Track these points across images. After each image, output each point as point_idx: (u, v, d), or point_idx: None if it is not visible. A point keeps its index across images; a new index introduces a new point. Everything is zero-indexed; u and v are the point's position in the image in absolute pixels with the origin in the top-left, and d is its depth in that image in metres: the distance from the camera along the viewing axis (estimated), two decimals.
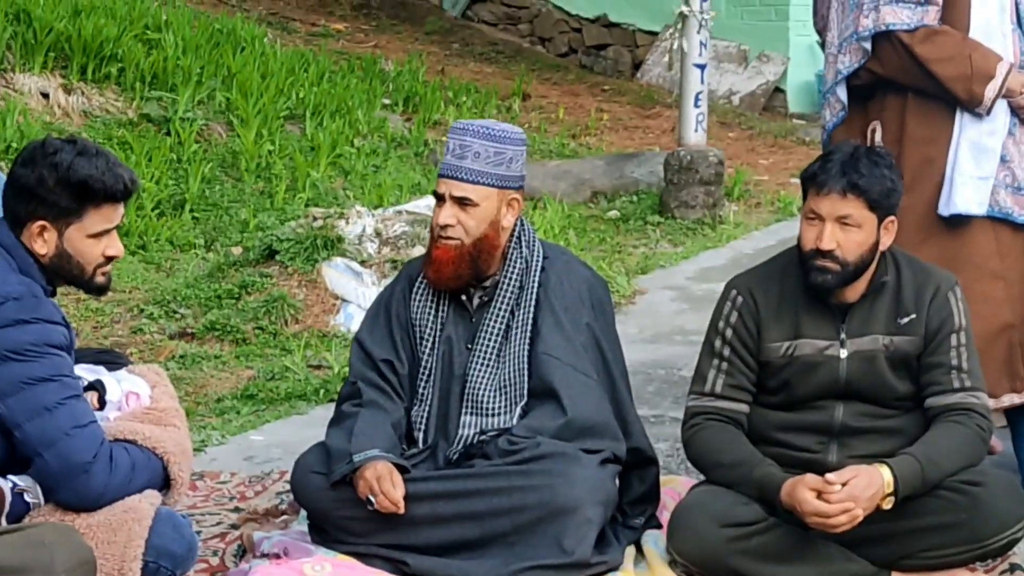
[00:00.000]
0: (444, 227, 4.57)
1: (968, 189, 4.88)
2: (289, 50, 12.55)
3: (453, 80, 13.52)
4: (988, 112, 4.90)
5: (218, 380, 6.69)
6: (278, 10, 15.39)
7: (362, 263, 7.61)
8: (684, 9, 10.12)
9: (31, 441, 3.79)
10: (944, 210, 4.91)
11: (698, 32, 10.13)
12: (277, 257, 7.67)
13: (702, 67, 10.22)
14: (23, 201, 3.95)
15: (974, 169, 4.89)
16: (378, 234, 7.77)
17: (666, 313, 8.07)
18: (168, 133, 9.96)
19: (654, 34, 15.00)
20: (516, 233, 4.69)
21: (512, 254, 4.67)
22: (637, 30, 15.41)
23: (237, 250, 8.20)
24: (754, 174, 11.70)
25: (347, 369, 4.84)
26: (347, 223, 7.77)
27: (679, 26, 10.18)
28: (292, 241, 7.69)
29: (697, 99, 10.23)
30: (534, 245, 4.72)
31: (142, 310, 7.57)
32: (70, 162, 3.94)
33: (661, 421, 5.82)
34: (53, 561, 3.54)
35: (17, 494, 3.84)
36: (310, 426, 5.26)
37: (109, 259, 4.05)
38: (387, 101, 12.24)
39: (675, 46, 10.25)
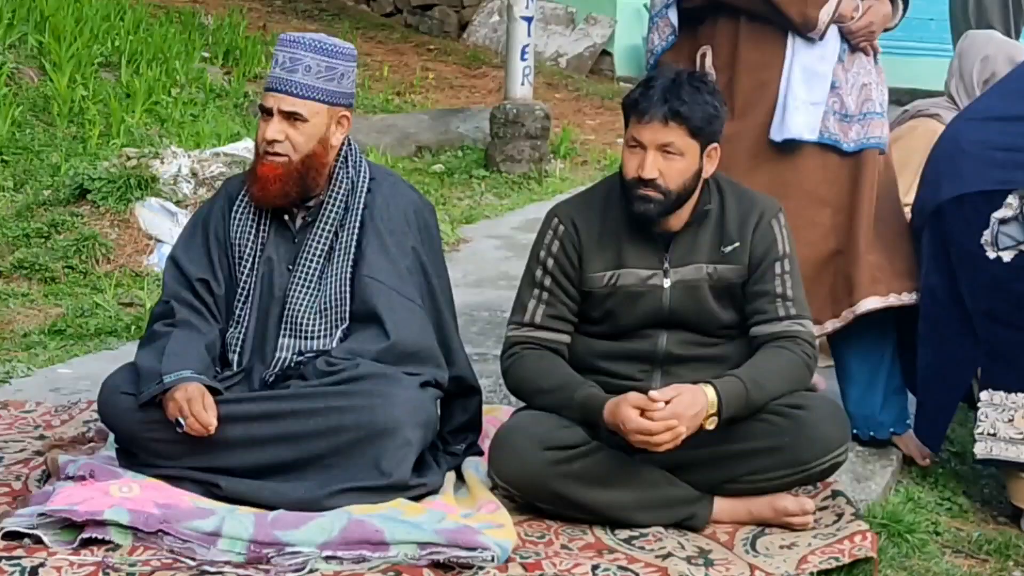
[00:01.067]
0: (271, 143, 4.42)
1: (800, 114, 4.84)
2: None
3: (275, 36, 13.26)
4: (821, 37, 4.86)
5: (25, 316, 6.47)
6: None
7: (177, 203, 7.42)
8: None
9: None
10: (777, 135, 4.86)
11: None
12: (89, 196, 7.46)
13: (529, 20, 10.13)
14: None
15: (806, 94, 4.86)
16: (194, 174, 7.58)
17: (491, 259, 7.99)
18: None
19: None
20: (343, 153, 4.56)
21: (338, 174, 4.54)
22: None
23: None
24: (581, 134, 11.67)
25: None
26: (162, 163, 7.57)
27: None
28: (105, 180, 7.47)
29: (524, 52, 10.14)
30: (361, 166, 4.59)
31: None
32: None
33: (484, 359, 5.73)
34: None
35: None
36: (120, 361, 5.05)
37: None
38: (206, 55, 11.98)
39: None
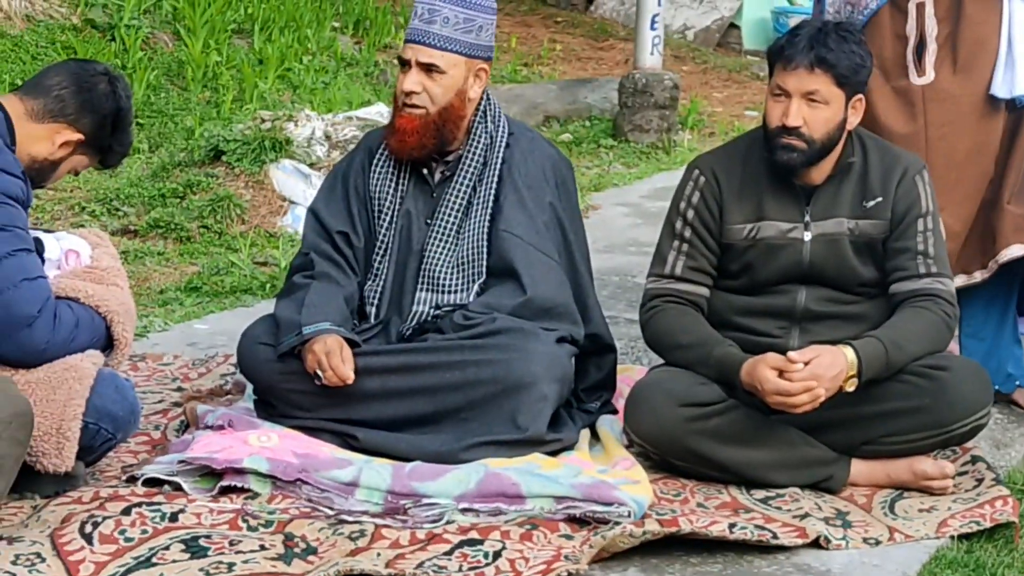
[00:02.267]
0: (409, 94, 4.42)
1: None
2: None
3: (404, 7, 13.31)
4: None
5: (161, 274, 6.53)
6: None
7: (311, 166, 7.46)
8: None
9: None
10: (1007, 92, 4.78)
11: None
12: (224, 158, 7.51)
13: None
14: (83, 109, 3.97)
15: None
16: (328, 137, 7.62)
17: (620, 226, 7.97)
18: (113, 39, 9.73)
19: None
20: (482, 107, 4.55)
21: (477, 128, 4.53)
22: None
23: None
24: (708, 106, 11.61)
25: None
26: (296, 126, 7.61)
27: None
28: (239, 142, 7.52)
29: (653, 22, 10.10)
30: (500, 120, 4.58)
31: (83, 207, 7.40)
32: (129, 127, 4.12)
33: (616, 322, 5.71)
34: None
35: None
36: (256, 318, 5.09)
37: None
38: (337, 24, 12.04)
39: None
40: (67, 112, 3.95)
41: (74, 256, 4.04)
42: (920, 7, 4.85)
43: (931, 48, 4.83)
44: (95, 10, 9.95)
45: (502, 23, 13.78)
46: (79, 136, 3.96)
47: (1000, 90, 4.78)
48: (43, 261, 3.93)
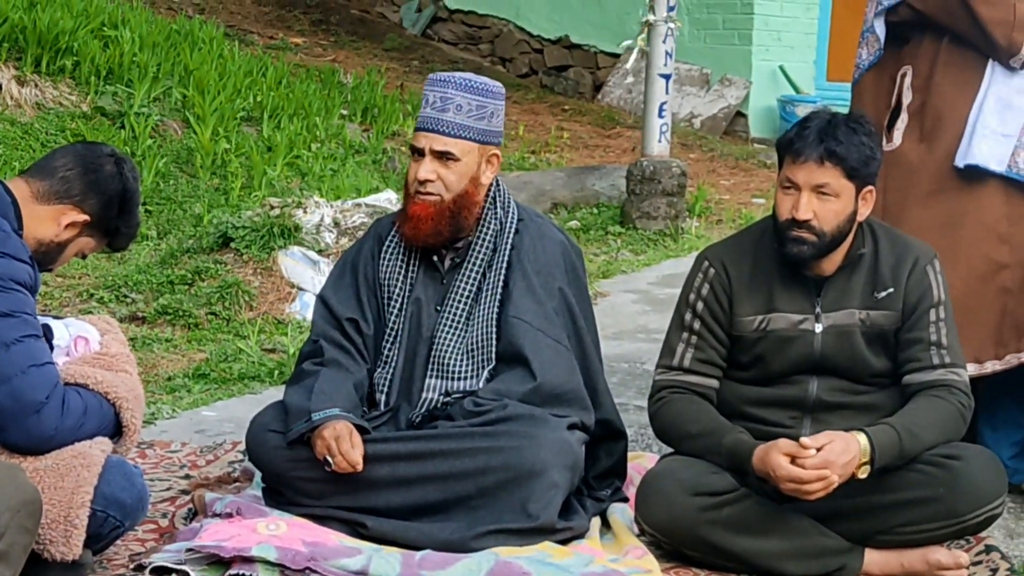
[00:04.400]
0: (424, 183, 4.42)
1: (988, 143, 4.71)
2: (247, 55, 12.40)
3: (412, 95, 13.39)
4: (1022, 66, 4.76)
5: (169, 361, 6.52)
6: (236, 22, 15.26)
7: (319, 252, 7.47)
8: (650, 18, 10.02)
9: None
10: (960, 161, 4.75)
11: (663, 41, 10.04)
12: (232, 245, 7.52)
13: (667, 77, 10.12)
14: (90, 191, 3.97)
15: (998, 124, 4.73)
16: (336, 224, 7.63)
17: (628, 313, 7.95)
18: (122, 127, 9.78)
19: (615, 56, 14.92)
20: (491, 193, 4.56)
21: (487, 215, 4.54)
22: (599, 52, 15.36)
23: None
24: (716, 193, 11.62)
25: None
26: (305, 212, 7.62)
27: (644, 35, 10.08)
28: (248, 229, 7.53)
29: (661, 109, 10.13)
30: (509, 206, 4.59)
31: (92, 294, 7.39)
32: (137, 214, 4.13)
33: (625, 409, 5.68)
34: None
35: None
36: (263, 405, 5.07)
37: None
38: (345, 112, 12.10)
39: (636, 54, 10.14)
40: (73, 193, 3.94)
41: (83, 342, 4.03)
42: (903, 76, 4.88)
43: (903, 116, 4.85)
44: (105, 98, 10.01)
45: (510, 111, 13.87)
46: (85, 217, 3.95)
47: (959, 158, 4.76)
48: (52, 347, 3.92)
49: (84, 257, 4.14)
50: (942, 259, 4.43)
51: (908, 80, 4.88)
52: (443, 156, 4.42)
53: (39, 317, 3.90)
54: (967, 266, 4.58)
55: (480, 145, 4.46)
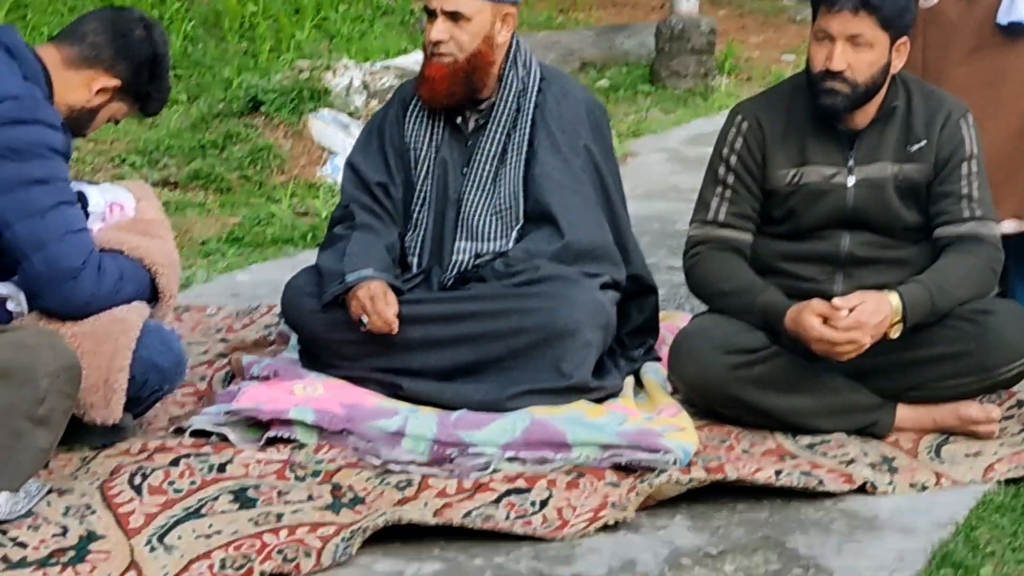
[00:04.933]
0: (436, 43, 4.41)
1: None
2: None
3: None
4: None
5: (203, 225, 6.55)
6: None
7: (349, 115, 7.46)
8: None
9: (20, 243, 3.69)
10: (1003, 18, 4.70)
11: None
12: (262, 108, 7.53)
13: None
14: (119, 56, 3.96)
15: None
16: (366, 86, 7.61)
17: (659, 173, 7.95)
18: None
19: None
20: (512, 53, 4.54)
21: (508, 75, 4.51)
22: None
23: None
24: (745, 51, 11.54)
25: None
26: (334, 75, 7.61)
27: None
28: (277, 93, 7.53)
29: None
30: (531, 65, 4.56)
31: (124, 159, 7.42)
32: (168, 77, 4.11)
33: (657, 269, 5.68)
34: (36, 364, 3.44)
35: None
36: (297, 268, 5.11)
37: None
38: None
39: None
40: (103, 58, 3.94)
41: (118, 209, 4.05)
42: None
43: None
44: None
45: None
46: (116, 82, 3.95)
47: (1001, 16, 4.71)
48: (87, 215, 3.94)
49: (116, 123, 4.14)
50: (983, 116, 4.41)
51: None
52: (454, 16, 4.40)
53: (73, 183, 3.93)
54: (1007, 123, 4.55)
55: (493, 4, 4.43)
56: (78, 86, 3.92)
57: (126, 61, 3.96)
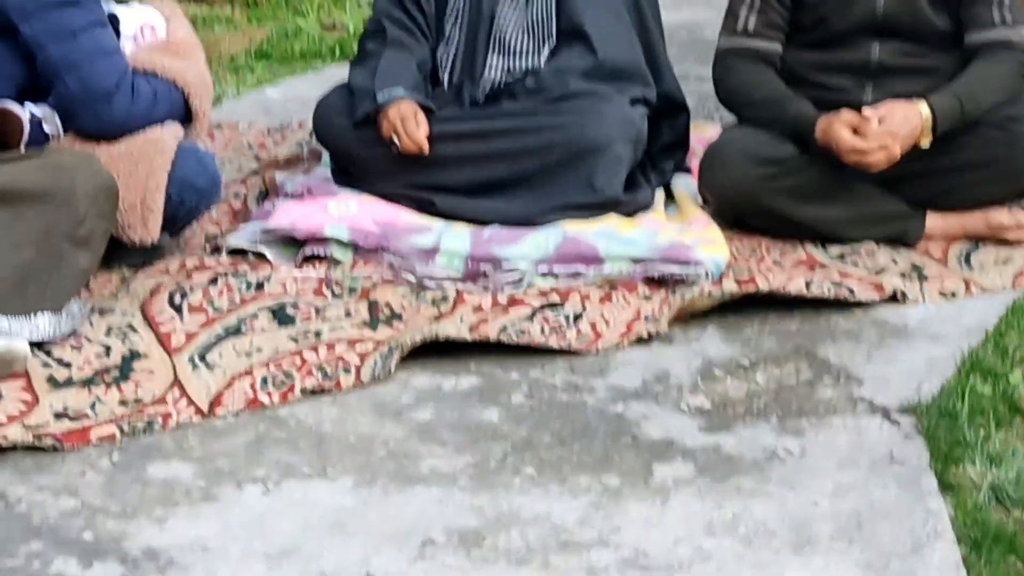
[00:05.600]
0: None
1: None
2: None
3: None
4: None
5: (230, 40, 6.54)
6: None
7: None
8: None
9: (54, 64, 3.71)
10: None
11: None
12: None
13: None
14: None
15: None
16: None
17: None
18: None
19: None
20: None
21: None
22: None
23: None
24: None
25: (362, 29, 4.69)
26: None
27: None
28: None
29: None
30: None
31: None
32: None
33: (685, 79, 5.63)
34: (74, 185, 3.47)
35: (35, 123, 3.75)
36: (327, 83, 5.12)
37: None
38: None
39: None
40: None
41: (150, 30, 4.04)
42: None
43: None
44: None
45: None
46: None
47: None
48: (119, 35, 3.94)
49: None
50: None
51: None
52: None
53: (104, 4, 3.92)
54: None
55: None
56: None
57: None
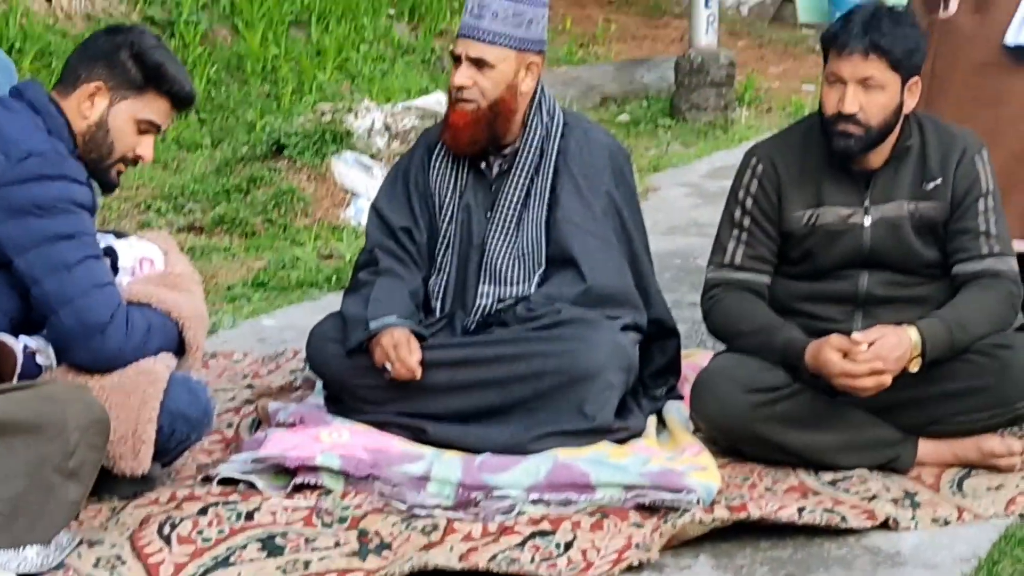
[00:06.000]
0: (460, 88, 4.47)
1: None
2: None
3: None
4: None
5: (228, 270, 6.61)
6: None
7: (372, 157, 7.52)
8: None
9: (48, 298, 3.74)
10: (1011, 40, 4.75)
11: None
12: (285, 152, 7.58)
13: None
14: (90, 62, 3.93)
15: None
16: (387, 128, 7.67)
17: (680, 207, 7.98)
18: (172, 35, 9.83)
19: None
20: (536, 99, 4.59)
21: (532, 120, 4.57)
22: None
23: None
24: (765, 81, 11.58)
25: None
26: (356, 118, 7.67)
27: None
28: (300, 136, 7.59)
29: (708, 0, 10.09)
30: (555, 111, 4.62)
31: (149, 205, 7.48)
32: (153, 45, 3.96)
33: (679, 305, 5.73)
34: (66, 418, 3.48)
35: (29, 355, 3.78)
36: (323, 312, 5.18)
37: (136, 160, 4.01)
38: (392, 11, 12.09)
39: None
40: (79, 73, 3.93)
41: (148, 263, 4.09)
42: None
43: None
44: (154, 7, 10.06)
45: (556, 5, 13.81)
46: (97, 83, 3.90)
47: (1009, 36, 4.75)
48: (117, 269, 3.99)
49: (160, 132, 4.03)
50: (982, 135, 4.45)
51: None
52: (479, 63, 4.45)
53: (102, 236, 3.98)
54: (1005, 145, 4.57)
55: (518, 52, 4.48)
56: (74, 110, 3.90)
57: (95, 60, 3.92)
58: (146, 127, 3.97)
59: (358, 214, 7.18)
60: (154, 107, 3.96)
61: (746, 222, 4.45)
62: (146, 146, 3.99)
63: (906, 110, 4.33)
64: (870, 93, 4.24)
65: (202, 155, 8.38)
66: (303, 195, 7.31)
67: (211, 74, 9.50)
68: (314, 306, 5.97)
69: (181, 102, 4.02)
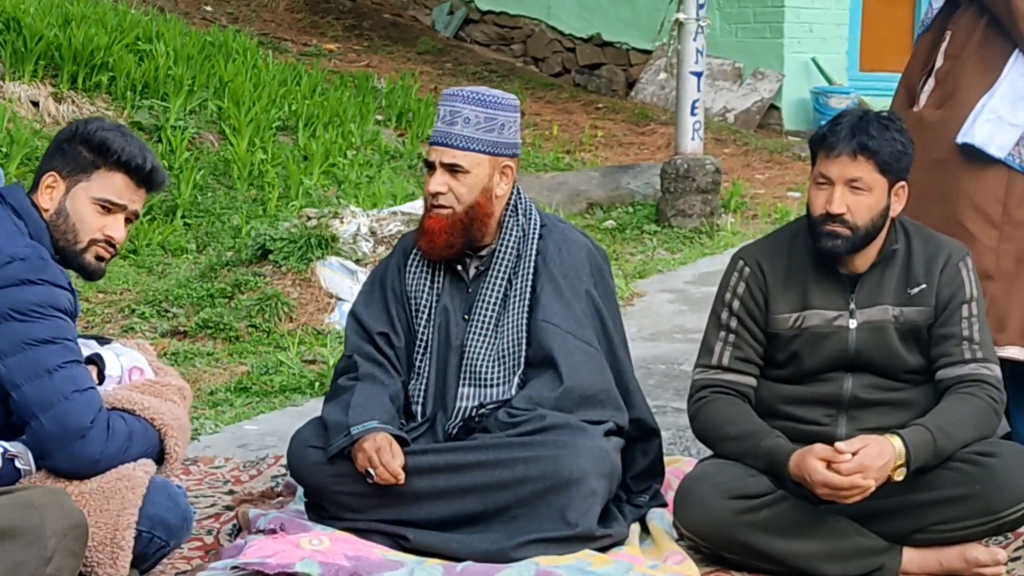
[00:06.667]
0: (435, 195, 4.49)
1: (990, 127, 4.75)
2: (281, 64, 12.49)
3: None
4: None
5: (211, 375, 6.59)
6: (269, 30, 15.36)
7: (357, 262, 7.53)
8: (680, 16, 10.07)
9: (29, 403, 3.72)
10: (960, 137, 4.80)
11: (694, 39, 10.08)
12: (270, 257, 7.59)
13: (698, 75, 10.16)
14: (48, 158, 3.97)
15: (1007, 112, 4.76)
16: (373, 233, 7.69)
17: (665, 313, 7.98)
18: (159, 141, 9.88)
19: (648, 52, 14.99)
20: (512, 202, 4.61)
21: (508, 223, 4.58)
22: (631, 49, 15.40)
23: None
24: (751, 188, 11.64)
25: None
26: (341, 223, 7.69)
27: (675, 33, 10.13)
28: (286, 240, 7.60)
29: (694, 107, 10.17)
30: (531, 214, 4.63)
31: (133, 310, 7.48)
32: (99, 127, 3.98)
33: (663, 411, 5.72)
34: (43, 523, 3.45)
35: (8, 460, 3.77)
36: (305, 417, 5.16)
37: (109, 242, 4.00)
38: (380, 117, 12.18)
39: (671, 52, 10.19)
40: (41, 170, 3.98)
41: (138, 372, 4.08)
42: (942, 41, 4.95)
43: (931, 81, 4.92)
44: (141, 112, 10.12)
45: (544, 111, 13.94)
46: (51, 174, 3.93)
47: (961, 134, 4.79)
48: (104, 378, 3.98)
49: (135, 218, 4.06)
50: (938, 229, 4.49)
51: (944, 46, 4.94)
52: (453, 169, 4.48)
53: (88, 344, 3.97)
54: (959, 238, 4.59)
55: (491, 157, 4.51)
56: (42, 206, 3.93)
57: (52, 154, 3.96)
58: (108, 206, 3.97)
59: (343, 319, 7.16)
60: (108, 184, 3.96)
61: (733, 324, 4.45)
62: (114, 227, 3.99)
63: (892, 214, 4.35)
64: (857, 195, 4.27)
65: (187, 259, 8.39)
66: (287, 300, 7.31)
67: (198, 179, 9.53)
68: (297, 411, 5.95)
69: (136, 172, 3.98)
